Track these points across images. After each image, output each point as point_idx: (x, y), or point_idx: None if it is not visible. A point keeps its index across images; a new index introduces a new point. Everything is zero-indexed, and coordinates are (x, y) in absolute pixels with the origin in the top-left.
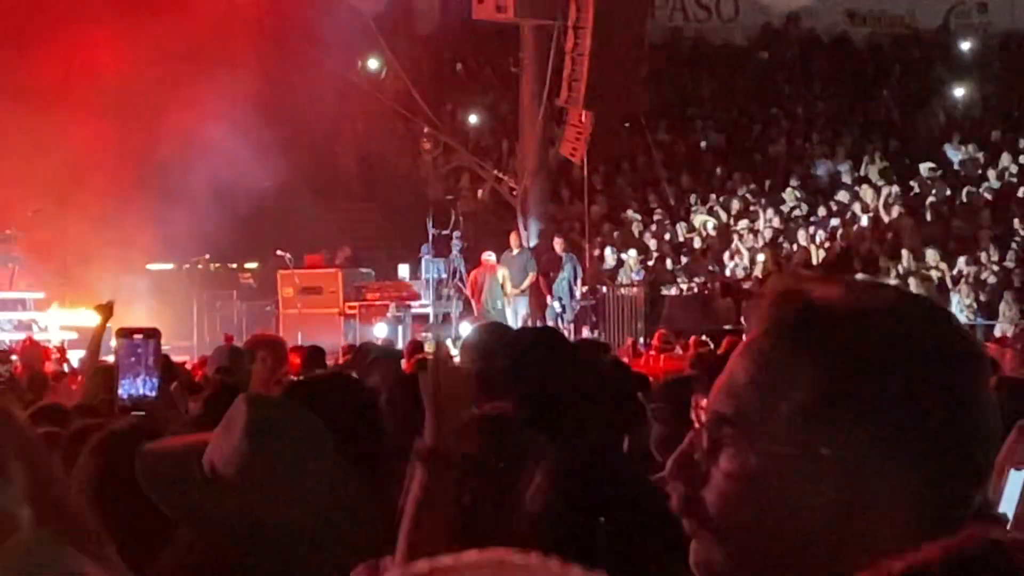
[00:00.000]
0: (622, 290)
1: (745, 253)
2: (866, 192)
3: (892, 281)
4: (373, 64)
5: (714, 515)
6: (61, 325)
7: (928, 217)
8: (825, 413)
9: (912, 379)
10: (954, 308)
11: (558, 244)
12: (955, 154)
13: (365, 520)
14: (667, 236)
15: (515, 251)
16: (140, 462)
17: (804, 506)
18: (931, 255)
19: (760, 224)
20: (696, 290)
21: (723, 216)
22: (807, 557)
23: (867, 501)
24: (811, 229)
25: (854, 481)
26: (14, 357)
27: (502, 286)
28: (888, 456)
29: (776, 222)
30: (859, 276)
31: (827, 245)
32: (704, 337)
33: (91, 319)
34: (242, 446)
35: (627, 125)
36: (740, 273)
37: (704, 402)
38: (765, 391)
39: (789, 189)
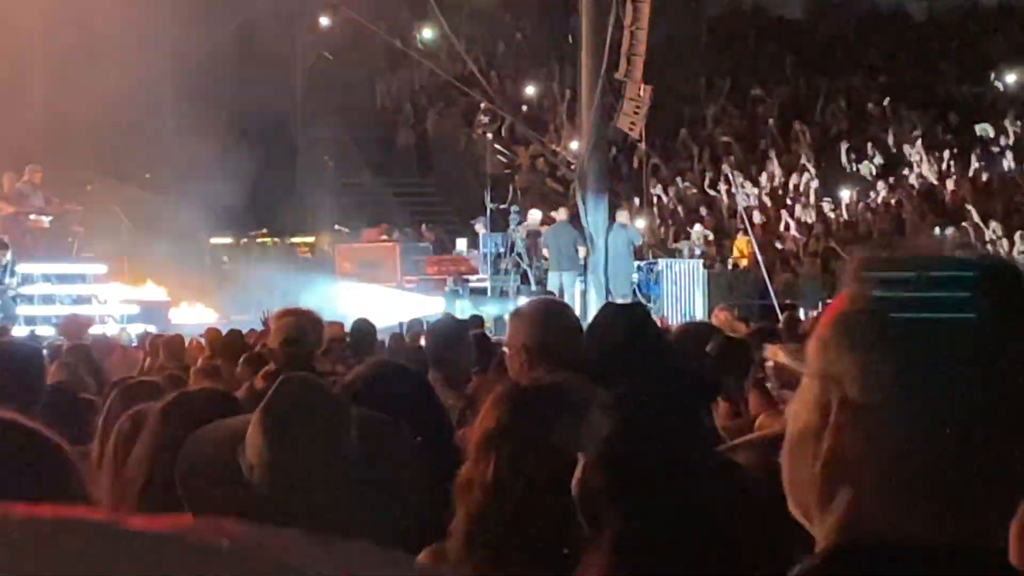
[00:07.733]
0: (680, 264)
1: (804, 224)
2: (924, 165)
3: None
4: (428, 34)
5: None
6: (121, 299)
7: (989, 189)
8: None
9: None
10: None
11: (621, 216)
12: (1014, 128)
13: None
14: (724, 209)
15: (563, 224)
16: (181, 457)
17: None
18: (994, 227)
19: (815, 197)
20: (749, 264)
21: (779, 188)
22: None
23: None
24: (868, 201)
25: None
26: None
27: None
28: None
29: (831, 194)
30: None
31: (884, 218)
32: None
33: (151, 293)
34: (264, 440)
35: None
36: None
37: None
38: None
39: (846, 162)
